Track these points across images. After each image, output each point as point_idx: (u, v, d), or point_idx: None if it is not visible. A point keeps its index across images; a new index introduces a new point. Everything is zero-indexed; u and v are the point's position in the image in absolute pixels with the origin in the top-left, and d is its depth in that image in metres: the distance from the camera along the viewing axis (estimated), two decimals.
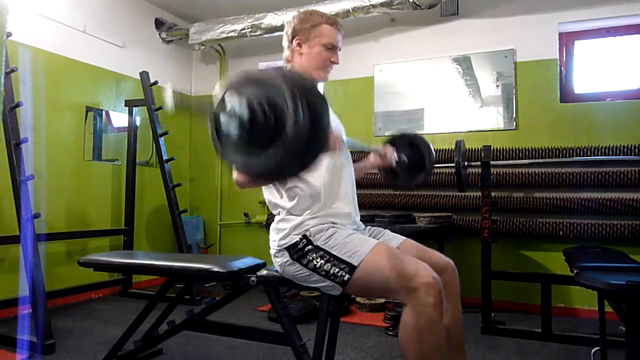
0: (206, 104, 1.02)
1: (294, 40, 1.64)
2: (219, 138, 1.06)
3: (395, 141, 1.99)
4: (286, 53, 1.68)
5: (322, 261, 1.44)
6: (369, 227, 1.73)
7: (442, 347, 1.31)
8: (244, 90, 1.02)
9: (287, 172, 1.10)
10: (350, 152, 1.75)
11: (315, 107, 1.01)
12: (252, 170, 1.06)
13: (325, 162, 1.55)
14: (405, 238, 1.68)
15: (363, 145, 1.84)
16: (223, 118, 1.02)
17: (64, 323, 2.91)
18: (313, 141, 1.03)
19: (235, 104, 0.99)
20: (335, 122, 1.68)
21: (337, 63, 1.67)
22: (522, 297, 3.39)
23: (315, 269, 1.45)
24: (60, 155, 3.47)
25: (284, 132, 0.97)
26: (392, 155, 1.90)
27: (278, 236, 1.54)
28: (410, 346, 1.31)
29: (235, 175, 1.41)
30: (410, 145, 1.99)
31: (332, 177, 1.57)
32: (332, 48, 1.64)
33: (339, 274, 1.42)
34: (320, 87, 1.77)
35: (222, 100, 1.03)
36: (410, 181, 2.03)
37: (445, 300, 1.39)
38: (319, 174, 1.53)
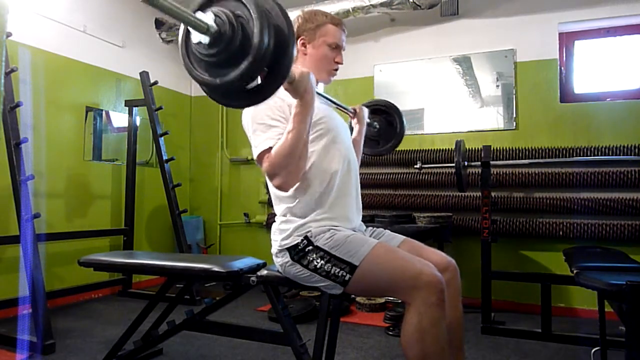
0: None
1: (298, 41, 1.61)
2: (188, 53, 1.05)
3: (369, 107, 2.06)
4: None
5: (322, 262, 1.44)
6: (369, 227, 1.73)
7: (444, 347, 1.31)
8: (217, 5, 1.01)
9: (236, 89, 1.08)
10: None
11: (281, 35, 1.02)
12: (214, 84, 1.03)
13: (335, 168, 1.53)
14: (405, 237, 1.68)
15: (338, 102, 1.81)
16: (193, 31, 0.99)
17: (64, 323, 2.91)
18: (275, 67, 1.04)
19: (206, 16, 0.97)
20: (336, 119, 1.68)
21: (342, 63, 1.67)
22: (522, 297, 3.38)
23: (315, 270, 1.45)
24: (60, 155, 3.47)
25: (247, 52, 0.97)
26: (364, 112, 1.94)
27: (280, 236, 1.53)
28: (412, 346, 1.30)
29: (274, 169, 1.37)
30: (382, 111, 2.13)
31: (340, 184, 1.55)
32: (337, 48, 1.64)
33: (340, 274, 1.41)
34: (321, 87, 1.75)
35: (194, 12, 1.01)
36: (385, 146, 2.15)
37: (446, 299, 1.39)
38: (326, 180, 1.52)
